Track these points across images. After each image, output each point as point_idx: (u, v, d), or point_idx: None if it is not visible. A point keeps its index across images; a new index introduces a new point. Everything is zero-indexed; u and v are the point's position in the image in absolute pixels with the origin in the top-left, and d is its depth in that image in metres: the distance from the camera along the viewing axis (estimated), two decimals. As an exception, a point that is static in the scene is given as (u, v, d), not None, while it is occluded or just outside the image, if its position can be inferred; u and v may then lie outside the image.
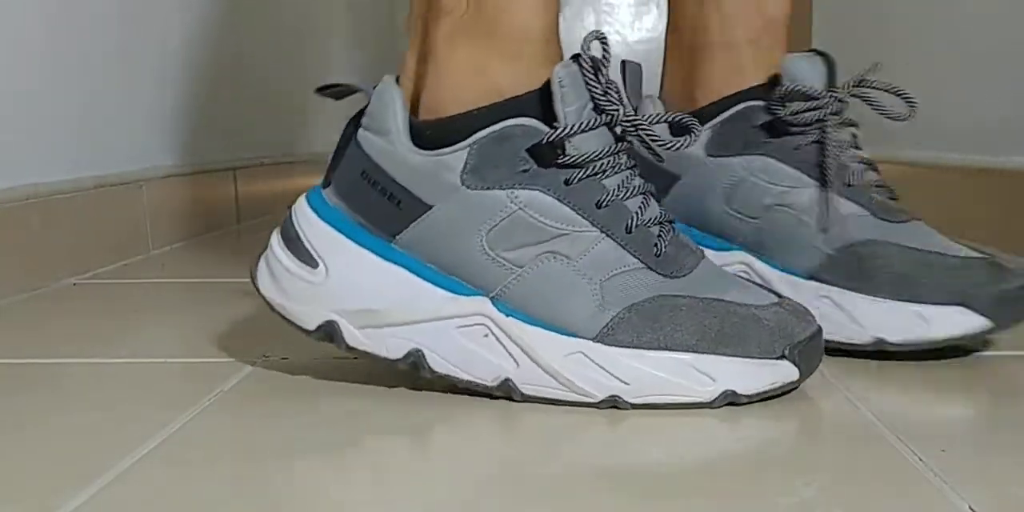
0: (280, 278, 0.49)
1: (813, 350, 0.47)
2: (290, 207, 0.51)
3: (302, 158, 1.57)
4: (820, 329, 0.48)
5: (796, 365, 0.46)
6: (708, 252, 0.52)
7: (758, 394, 0.46)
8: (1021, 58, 0.98)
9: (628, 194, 0.47)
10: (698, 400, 0.46)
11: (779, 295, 0.50)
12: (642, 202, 0.48)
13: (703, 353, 0.46)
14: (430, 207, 0.46)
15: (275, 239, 0.51)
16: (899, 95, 0.54)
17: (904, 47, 1.32)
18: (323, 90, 0.51)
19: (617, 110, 0.46)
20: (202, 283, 0.84)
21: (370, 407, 0.48)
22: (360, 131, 0.49)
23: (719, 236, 0.57)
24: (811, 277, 0.54)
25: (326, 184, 0.51)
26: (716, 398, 0.45)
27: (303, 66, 1.67)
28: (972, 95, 1.10)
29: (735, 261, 0.56)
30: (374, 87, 0.49)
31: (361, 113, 0.49)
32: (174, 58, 1.14)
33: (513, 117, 0.46)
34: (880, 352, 0.53)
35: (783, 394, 0.47)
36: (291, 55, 1.61)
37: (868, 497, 0.36)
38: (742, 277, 0.52)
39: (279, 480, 0.38)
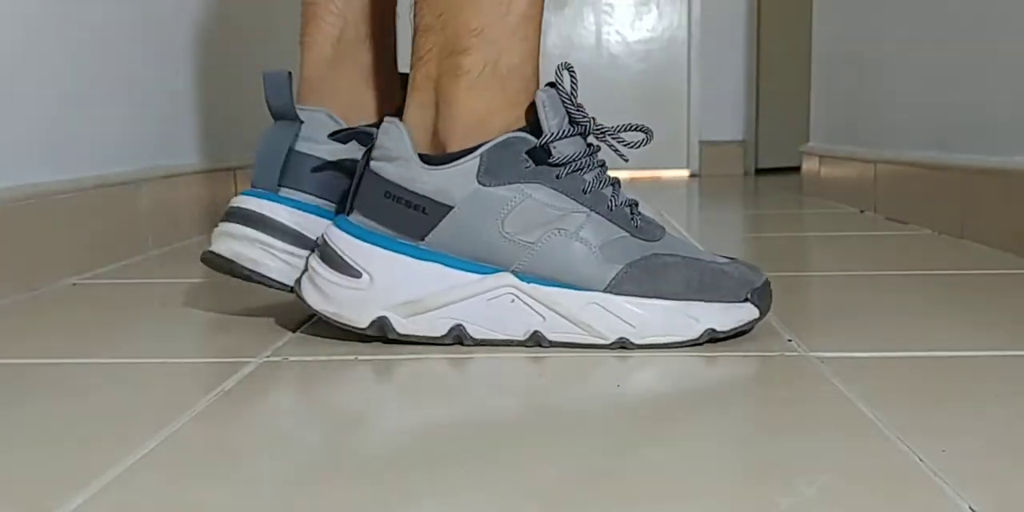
0: (329, 292, 0.58)
1: (766, 294, 0.60)
2: (322, 235, 0.60)
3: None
4: (768, 280, 0.61)
5: (756, 306, 0.59)
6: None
7: (732, 330, 0.58)
8: (1021, 57, 0.99)
9: (603, 184, 0.59)
10: (688, 338, 0.57)
11: (730, 257, 0.62)
12: (613, 190, 0.60)
13: (689, 300, 0.57)
14: (451, 208, 0.57)
15: (315, 262, 0.60)
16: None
17: (905, 46, 1.32)
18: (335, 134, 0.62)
19: (588, 122, 0.58)
20: (202, 283, 0.84)
21: (370, 406, 0.48)
22: (372, 163, 0.59)
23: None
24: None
25: (349, 210, 0.60)
26: (701, 335, 0.57)
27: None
28: (972, 95, 1.10)
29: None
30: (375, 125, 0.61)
31: (370, 151, 0.60)
32: (175, 59, 1.14)
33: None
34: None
35: (750, 330, 0.60)
36: (294, 58, 1.60)
37: (868, 497, 0.36)
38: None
39: (278, 480, 0.38)
